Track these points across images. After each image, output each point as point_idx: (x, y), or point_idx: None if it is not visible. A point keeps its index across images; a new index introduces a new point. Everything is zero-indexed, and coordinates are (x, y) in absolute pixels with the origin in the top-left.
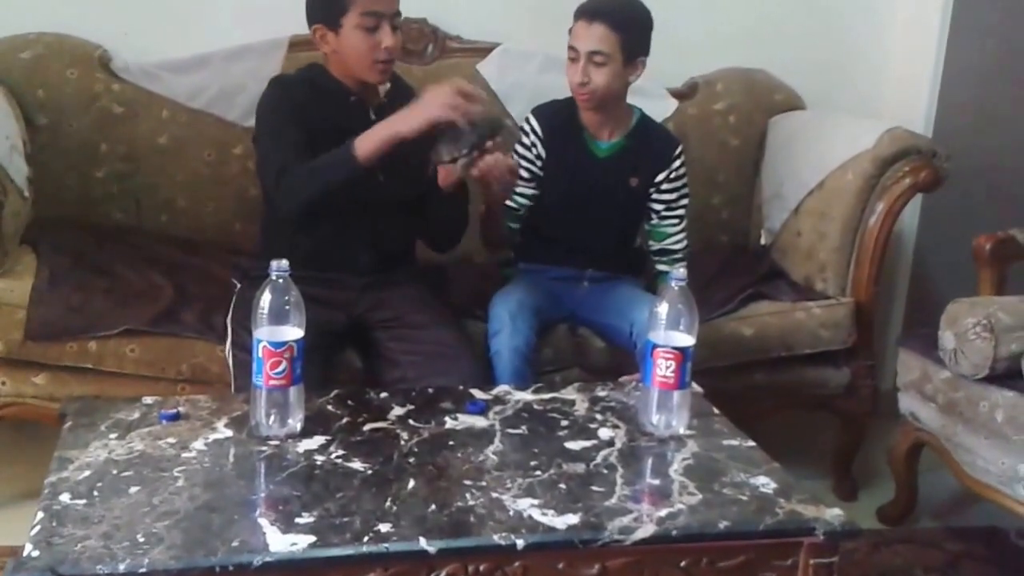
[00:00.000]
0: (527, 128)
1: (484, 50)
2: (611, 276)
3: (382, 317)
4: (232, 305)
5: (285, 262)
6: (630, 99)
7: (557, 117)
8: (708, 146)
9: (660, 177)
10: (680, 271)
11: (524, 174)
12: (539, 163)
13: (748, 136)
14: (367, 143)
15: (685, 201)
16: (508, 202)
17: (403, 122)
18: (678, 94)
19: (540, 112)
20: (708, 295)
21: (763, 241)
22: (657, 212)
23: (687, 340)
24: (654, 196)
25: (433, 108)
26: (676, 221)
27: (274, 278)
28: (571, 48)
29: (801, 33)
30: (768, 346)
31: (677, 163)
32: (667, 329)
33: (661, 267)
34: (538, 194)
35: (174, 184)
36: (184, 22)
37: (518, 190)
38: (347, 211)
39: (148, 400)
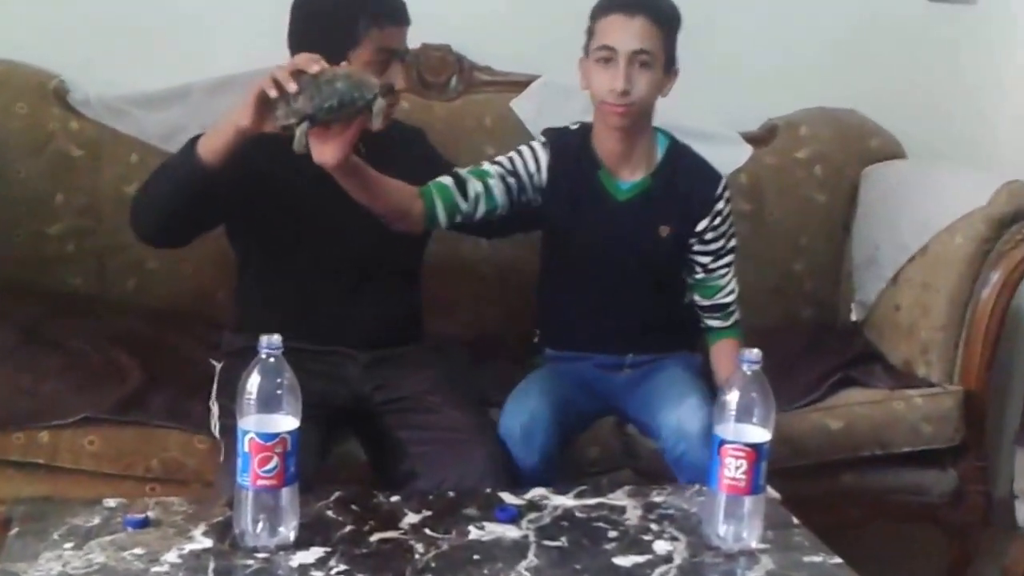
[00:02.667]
0: (533, 146)
1: (520, 84)
2: (657, 357)
3: (388, 398)
4: (216, 385)
5: (277, 337)
6: (697, 144)
7: (569, 147)
8: (789, 201)
9: (702, 225)
10: (753, 352)
11: (497, 181)
12: (531, 190)
13: (837, 190)
14: (208, 138)
15: (734, 243)
16: (469, 178)
17: (237, 111)
18: (753, 139)
19: (551, 136)
20: (787, 381)
21: (854, 317)
22: (703, 266)
23: (761, 435)
24: (697, 248)
25: (256, 82)
26: (725, 271)
27: (264, 356)
28: (604, 48)
29: (900, 67)
30: (859, 443)
31: (721, 204)
32: (737, 422)
33: (713, 323)
34: (506, 215)
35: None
36: (158, 48)
37: (490, 183)
38: (337, 273)
39: (111, 503)
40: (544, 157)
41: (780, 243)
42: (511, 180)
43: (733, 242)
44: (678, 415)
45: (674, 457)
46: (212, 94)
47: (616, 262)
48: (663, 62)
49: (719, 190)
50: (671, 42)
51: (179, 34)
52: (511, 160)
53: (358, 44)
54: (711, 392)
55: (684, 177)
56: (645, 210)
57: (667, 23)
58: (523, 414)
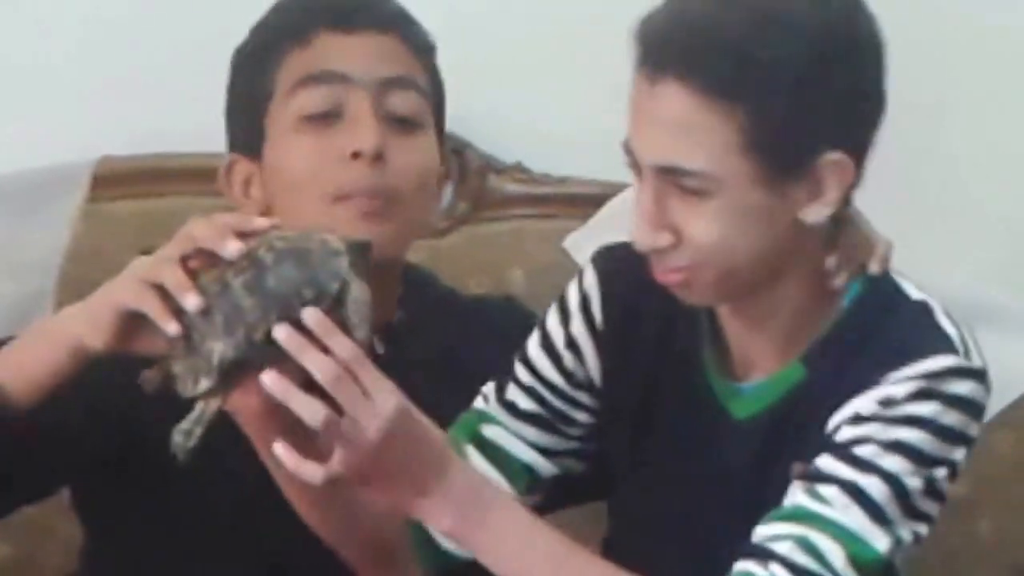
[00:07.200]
0: (572, 302)
1: (581, 201)
2: None
3: None
4: None
5: None
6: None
7: (648, 298)
8: None
9: (835, 420)
10: None
11: (512, 420)
12: (579, 392)
13: None
14: (19, 355)
15: (869, 480)
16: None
17: (81, 317)
18: None
19: (606, 267)
20: None
21: None
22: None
23: None
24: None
25: (117, 287)
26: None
27: None
28: (628, 154)
29: None
30: None
31: (900, 390)
32: None
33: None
34: (552, 465)
35: None
36: None
37: (496, 438)
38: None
39: None
40: (598, 315)
41: None
42: (540, 409)
43: (865, 479)
44: None
45: None
46: None
47: (729, 535)
48: (755, 171)
49: (903, 368)
50: (772, 115)
51: None
52: (527, 363)
53: (272, 92)
54: None
55: (875, 354)
56: (780, 435)
57: (737, 80)
58: None
